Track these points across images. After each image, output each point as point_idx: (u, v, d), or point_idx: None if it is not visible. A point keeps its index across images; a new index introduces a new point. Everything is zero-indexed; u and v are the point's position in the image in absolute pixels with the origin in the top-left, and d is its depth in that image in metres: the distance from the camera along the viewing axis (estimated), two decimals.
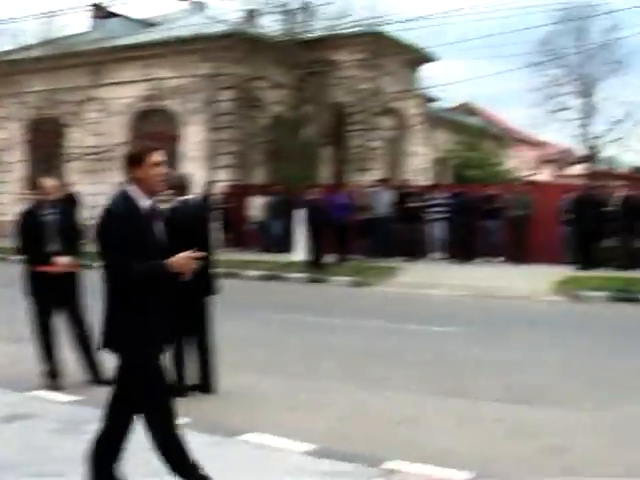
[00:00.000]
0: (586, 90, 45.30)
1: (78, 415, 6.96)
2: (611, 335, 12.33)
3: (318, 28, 26.00)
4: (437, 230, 23.22)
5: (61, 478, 5.43)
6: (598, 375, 9.42)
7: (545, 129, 48.35)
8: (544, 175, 52.66)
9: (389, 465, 5.76)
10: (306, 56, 25.23)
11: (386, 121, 31.80)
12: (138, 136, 29.98)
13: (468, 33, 54.78)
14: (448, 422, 7.39)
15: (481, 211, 22.39)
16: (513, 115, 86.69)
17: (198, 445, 5.04)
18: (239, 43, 26.44)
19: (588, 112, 45.56)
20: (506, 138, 53.46)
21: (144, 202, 4.89)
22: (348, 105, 27.15)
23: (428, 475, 5.58)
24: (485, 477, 5.61)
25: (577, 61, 44.91)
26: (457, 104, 53.01)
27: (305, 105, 26.64)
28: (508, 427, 7.22)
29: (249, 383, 8.62)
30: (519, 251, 21.90)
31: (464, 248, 22.34)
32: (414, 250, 23.16)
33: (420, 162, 36.40)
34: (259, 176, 28.64)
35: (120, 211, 4.80)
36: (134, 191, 4.87)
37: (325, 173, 31.21)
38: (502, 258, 22.31)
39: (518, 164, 53.80)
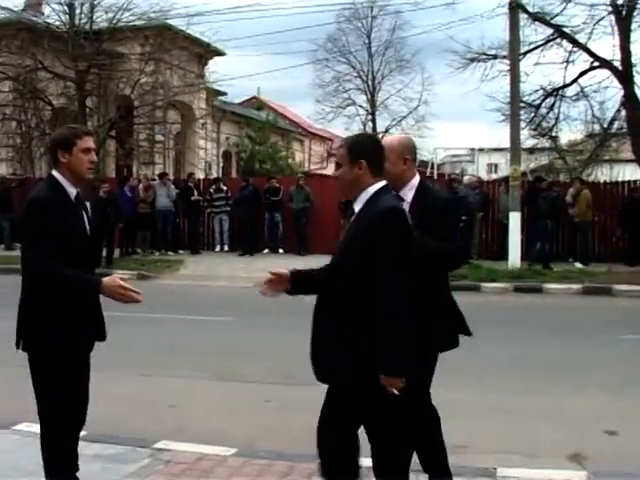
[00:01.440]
0: (371, 87, 47.02)
1: None
2: None
3: (102, 20, 25.69)
4: (221, 223, 23.60)
5: None
6: None
7: (333, 123, 49.76)
8: (331, 168, 54.03)
9: (158, 445, 6.05)
10: (89, 48, 24.88)
11: (172, 115, 31.82)
12: None
13: (257, 29, 55.53)
14: (218, 404, 7.78)
15: (264, 203, 22.95)
16: (302, 110, 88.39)
17: None
18: (19, 32, 25.74)
19: (373, 108, 47.30)
20: (294, 132, 54.43)
21: (72, 190, 4.61)
22: (133, 98, 26.96)
23: (195, 452, 5.91)
24: (248, 453, 5.99)
25: (363, 59, 46.57)
26: (245, 98, 53.56)
27: (88, 98, 26.26)
28: (275, 407, 7.69)
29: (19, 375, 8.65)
30: (301, 242, 22.59)
31: (247, 240, 22.77)
32: (198, 243, 23.51)
33: (206, 156, 36.62)
34: (42, 170, 28.02)
35: (47, 199, 4.49)
36: (62, 178, 4.58)
37: (110, 166, 30.93)
38: (283, 250, 23.02)
39: (307, 158, 54.99)
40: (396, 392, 4.04)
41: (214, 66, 35.09)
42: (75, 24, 24.94)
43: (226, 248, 23.54)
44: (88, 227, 4.72)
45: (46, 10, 29.52)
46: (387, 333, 4.01)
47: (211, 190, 23.76)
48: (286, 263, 20.34)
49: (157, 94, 27.55)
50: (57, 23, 25.73)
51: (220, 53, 33.82)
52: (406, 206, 4.70)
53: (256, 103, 53.80)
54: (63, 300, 4.44)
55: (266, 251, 23.01)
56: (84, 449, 5.81)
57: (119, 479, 5.37)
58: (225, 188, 23.66)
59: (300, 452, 5.98)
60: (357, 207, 4.27)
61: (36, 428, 6.19)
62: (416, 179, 4.90)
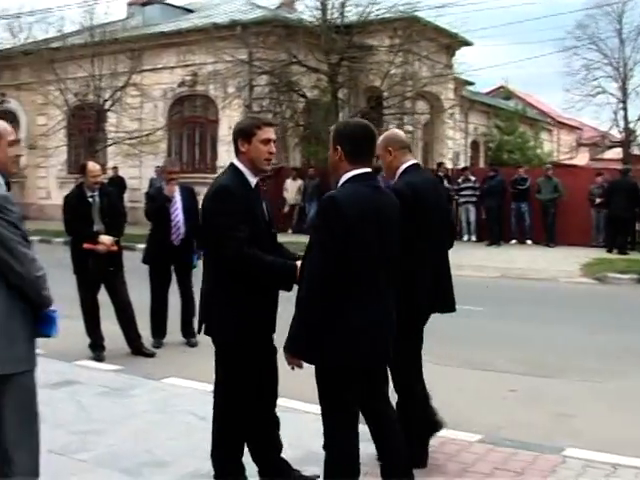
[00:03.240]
0: (622, 74, 45.04)
1: (119, 382, 7.58)
2: (631, 315, 12.63)
3: (353, 14, 26.33)
4: (468, 213, 23.60)
5: (101, 436, 6.07)
6: (608, 350, 9.83)
7: (582, 112, 48.10)
8: (580, 159, 52.48)
9: None
10: (341, 41, 25.58)
11: (421, 105, 32.06)
12: (177, 121, 30.65)
13: (503, 18, 54.73)
14: (464, 391, 7.87)
15: (511, 194, 22.74)
16: (550, 99, 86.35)
17: None
18: (275, 29, 26.81)
19: (625, 96, 45.31)
20: (543, 121, 53.30)
21: (252, 179, 4.76)
22: (383, 89, 27.43)
23: (441, 436, 6.03)
24: (493, 440, 6.04)
25: (613, 45, 44.64)
26: (493, 88, 53.05)
27: (340, 89, 27.00)
28: (520, 396, 7.69)
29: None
30: (549, 233, 22.21)
31: (494, 231, 22.65)
32: None
33: (454, 146, 36.61)
34: (295, 159, 29.06)
35: (233, 187, 4.63)
36: (243, 167, 4.73)
37: None
38: (531, 241, 22.72)
39: (555, 147, 53.71)
40: (294, 369, 4.33)
41: (461, 56, 34.98)
42: (327, 19, 25.71)
43: (473, 238, 23.54)
44: (267, 216, 4.84)
45: (299, 7, 30.77)
46: (296, 311, 4.21)
47: (459, 180, 23.85)
48: (533, 254, 20.13)
49: (406, 85, 27.87)
50: (310, 19, 26.63)
51: (467, 43, 33.64)
52: None
53: (503, 92, 53.12)
54: (251, 285, 4.56)
55: (513, 242, 22.78)
56: None
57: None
58: (473, 178, 23.67)
59: (544, 443, 5.99)
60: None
61: (293, 404, 6.60)
62: (402, 167, 5.44)
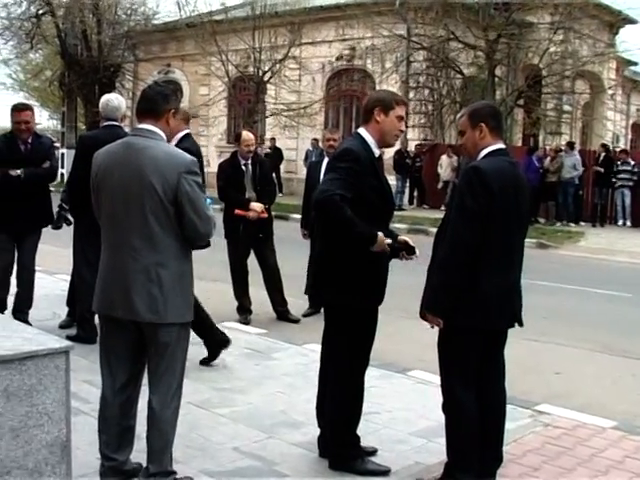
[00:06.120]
0: None
1: (263, 345, 7.90)
2: None
3: None
4: (624, 197, 23.00)
5: (241, 394, 6.39)
6: None
7: None
8: None
9: (540, 408, 6.31)
10: (499, 18, 25.25)
11: (580, 85, 31.29)
12: (334, 94, 30.96)
13: None
14: (602, 376, 7.79)
15: None
16: None
17: (371, 378, 5.56)
18: (433, 4, 26.63)
19: None
20: None
21: (376, 150, 4.84)
22: (541, 67, 26.94)
23: (574, 419, 6.04)
24: (628, 428, 5.97)
25: None
26: None
27: (497, 67, 26.68)
28: None
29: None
30: None
31: None
32: (600, 216, 23.11)
33: (614, 128, 35.57)
34: (451, 136, 28.89)
35: (359, 152, 4.70)
36: (370, 137, 4.81)
37: (516, 135, 31.12)
38: None
39: None
40: (432, 327, 4.54)
41: (625, 35, 33.89)
42: None
43: (628, 223, 22.93)
44: (387, 187, 4.91)
45: None
46: (435, 274, 4.46)
47: (618, 162, 23.24)
48: None
49: (565, 64, 27.26)
50: None
51: (632, 21, 32.58)
52: None
53: None
54: (354, 250, 4.65)
55: None
56: None
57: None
58: (632, 162, 23.00)
59: None
60: None
61: (427, 376, 6.74)
62: (182, 133, 7.14)
